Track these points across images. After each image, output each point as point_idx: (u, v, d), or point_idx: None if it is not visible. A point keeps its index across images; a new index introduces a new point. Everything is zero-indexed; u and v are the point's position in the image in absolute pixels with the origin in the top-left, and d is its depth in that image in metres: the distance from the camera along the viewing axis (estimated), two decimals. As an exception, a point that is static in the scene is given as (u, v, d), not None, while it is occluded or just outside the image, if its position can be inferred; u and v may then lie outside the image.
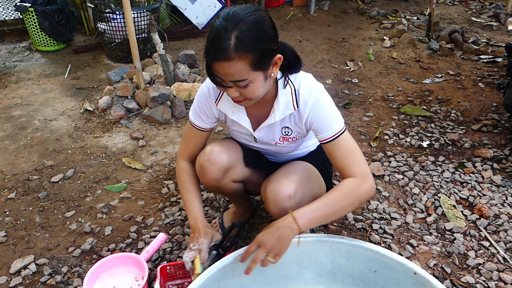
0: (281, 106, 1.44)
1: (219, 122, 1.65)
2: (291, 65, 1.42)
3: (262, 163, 1.75)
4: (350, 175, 1.40)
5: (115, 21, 3.68)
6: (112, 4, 3.63)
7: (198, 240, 1.47)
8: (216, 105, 1.53)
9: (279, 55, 1.31)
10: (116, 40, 3.79)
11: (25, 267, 1.79)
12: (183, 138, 1.68)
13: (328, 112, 1.42)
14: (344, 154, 1.42)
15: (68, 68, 3.70)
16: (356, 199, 1.38)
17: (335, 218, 1.42)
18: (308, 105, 1.41)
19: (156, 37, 2.98)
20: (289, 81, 1.43)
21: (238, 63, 1.22)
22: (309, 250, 1.48)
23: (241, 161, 1.65)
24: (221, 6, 4.45)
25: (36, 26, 3.89)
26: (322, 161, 1.69)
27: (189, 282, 1.63)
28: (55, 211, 2.13)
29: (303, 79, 1.44)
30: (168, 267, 1.63)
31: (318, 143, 1.70)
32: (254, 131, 1.55)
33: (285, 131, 1.54)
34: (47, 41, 4.00)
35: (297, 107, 1.43)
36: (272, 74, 1.33)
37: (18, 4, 3.85)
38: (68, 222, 2.05)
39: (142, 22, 3.67)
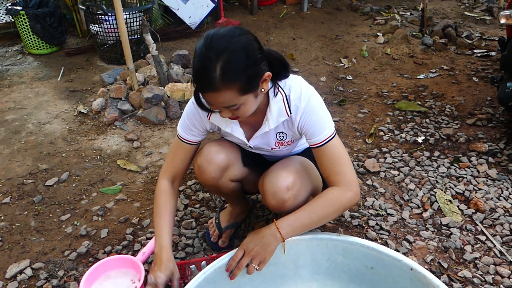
0: (274, 114, 1.44)
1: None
2: (279, 74, 1.41)
3: (259, 162, 1.74)
4: (335, 184, 1.43)
5: (107, 23, 3.66)
6: (103, 6, 3.62)
7: (156, 273, 1.41)
8: (209, 119, 1.52)
9: (267, 73, 1.30)
10: (109, 42, 3.77)
11: (21, 272, 1.78)
12: (169, 154, 1.64)
13: (319, 117, 1.42)
14: (331, 161, 1.43)
15: (61, 71, 3.68)
16: (339, 207, 1.42)
17: (319, 226, 1.46)
18: (299, 110, 1.42)
19: (148, 38, 2.96)
20: (280, 88, 1.42)
21: (226, 92, 1.22)
22: (305, 248, 1.48)
23: (239, 159, 1.65)
24: (214, 5, 4.44)
25: (28, 29, 3.87)
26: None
27: (185, 283, 1.64)
28: (50, 215, 2.11)
29: (293, 84, 1.43)
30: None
31: None
32: (248, 140, 1.56)
33: (280, 136, 1.55)
34: (39, 44, 3.98)
35: (290, 113, 1.43)
36: (263, 90, 1.33)
37: (9, 7, 3.83)
38: (63, 226, 2.04)
39: (135, 23, 3.66)
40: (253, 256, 1.38)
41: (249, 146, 1.59)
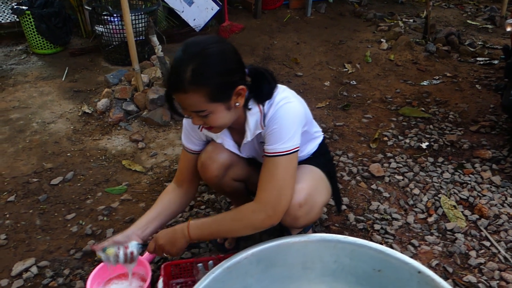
0: (251, 126, 1.44)
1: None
2: (260, 95, 1.40)
3: None
4: (256, 198, 1.40)
5: (113, 24, 3.68)
6: (109, 7, 3.63)
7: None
8: (201, 130, 1.55)
9: (241, 87, 1.31)
10: (114, 43, 3.79)
11: (26, 270, 1.78)
12: (179, 160, 1.72)
13: (280, 129, 1.38)
14: (267, 176, 1.39)
15: (66, 71, 3.69)
16: (248, 225, 1.40)
17: (230, 236, 1.50)
18: (267, 117, 1.41)
19: (154, 39, 2.98)
20: (259, 103, 1.42)
21: (194, 95, 1.25)
22: (313, 250, 1.48)
23: (243, 159, 1.66)
24: (218, 8, 4.46)
25: (33, 29, 3.87)
26: (325, 162, 1.70)
27: (192, 281, 1.65)
28: (56, 214, 2.11)
29: (275, 95, 1.42)
30: (171, 265, 1.63)
31: (319, 143, 1.71)
32: (240, 150, 1.58)
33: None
34: (44, 44, 3.99)
35: (264, 126, 1.42)
36: (237, 104, 1.34)
37: (15, 7, 3.84)
38: (69, 225, 2.04)
39: (140, 25, 3.67)
40: (161, 247, 1.47)
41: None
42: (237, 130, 1.53)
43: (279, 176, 1.38)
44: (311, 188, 1.49)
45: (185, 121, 1.58)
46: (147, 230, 1.54)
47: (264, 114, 1.42)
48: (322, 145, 1.73)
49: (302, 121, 1.46)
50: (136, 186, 2.30)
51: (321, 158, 1.69)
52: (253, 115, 1.42)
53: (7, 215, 2.10)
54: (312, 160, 1.68)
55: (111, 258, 1.45)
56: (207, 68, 1.24)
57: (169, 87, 1.31)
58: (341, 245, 1.47)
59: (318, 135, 1.71)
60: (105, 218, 2.08)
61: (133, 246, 1.48)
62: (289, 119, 1.39)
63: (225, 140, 1.56)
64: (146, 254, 1.73)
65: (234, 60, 1.30)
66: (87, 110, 3.03)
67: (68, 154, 2.58)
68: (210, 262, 1.59)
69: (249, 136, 1.47)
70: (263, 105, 1.42)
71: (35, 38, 3.95)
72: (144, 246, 1.52)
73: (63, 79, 3.56)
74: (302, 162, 1.66)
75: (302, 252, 1.48)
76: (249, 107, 1.41)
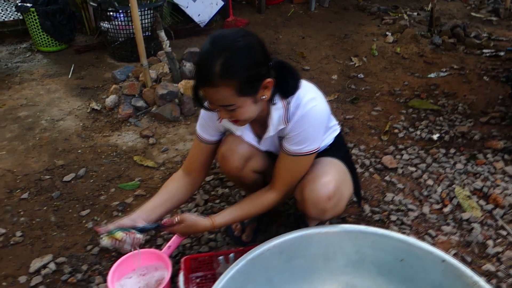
0: (274, 121, 1.45)
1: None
2: (285, 90, 1.40)
3: None
4: (272, 184, 1.55)
5: (118, 20, 3.66)
6: (115, 3, 3.61)
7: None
8: (220, 122, 1.54)
9: (269, 79, 1.31)
10: (120, 39, 3.77)
11: (44, 266, 1.78)
12: (190, 149, 1.73)
13: (309, 131, 1.41)
14: (287, 171, 1.50)
15: (72, 68, 3.67)
16: (265, 208, 1.56)
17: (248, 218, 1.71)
18: (294, 118, 1.41)
19: (162, 34, 2.97)
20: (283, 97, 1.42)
21: (223, 89, 1.24)
22: (335, 241, 1.48)
23: (262, 151, 1.65)
24: (223, 3, 4.44)
25: (37, 26, 3.86)
26: (344, 155, 1.69)
27: (212, 274, 1.65)
28: (70, 210, 2.11)
29: (300, 92, 1.42)
30: (191, 259, 1.63)
31: (336, 135, 1.71)
32: (259, 143, 1.59)
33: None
34: (48, 41, 3.97)
35: (288, 122, 1.43)
36: (264, 97, 1.34)
37: (19, 4, 3.82)
38: (84, 221, 2.04)
39: (145, 20, 3.66)
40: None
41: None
42: (258, 123, 1.53)
43: (298, 173, 1.51)
44: (338, 181, 1.49)
45: (203, 112, 1.57)
46: (152, 216, 1.55)
47: (287, 110, 1.42)
48: (338, 137, 1.73)
49: (326, 122, 1.49)
50: (149, 181, 2.30)
51: (339, 151, 1.68)
52: (277, 110, 1.42)
53: (21, 213, 2.10)
54: (329, 151, 1.67)
55: (117, 243, 1.43)
56: (236, 62, 1.23)
57: (198, 81, 1.29)
58: (362, 235, 1.47)
59: (335, 128, 1.71)
60: (120, 214, 2.07)
61: (138, 232, 1.46)
62: (317, 123, 1.42)
63: (245, 132, 1.56)
64: (165, 248, 1.73)
65: (262, 53, 1.30)
66: (95, 107, 3.02)
67: (79, 151, 2.58)
68: (231, 255, 1.59)
69: (271, 131, 1.47)
70: (288, 101, 1.41)
71: (40, 36, 3.93)
72: (152, 228, 1.52)
73: (69, 76, 3.55)
74: (319, 153, 1.65)
75: (323, 243, 1.47)
76: (274, 101, 1.41)
